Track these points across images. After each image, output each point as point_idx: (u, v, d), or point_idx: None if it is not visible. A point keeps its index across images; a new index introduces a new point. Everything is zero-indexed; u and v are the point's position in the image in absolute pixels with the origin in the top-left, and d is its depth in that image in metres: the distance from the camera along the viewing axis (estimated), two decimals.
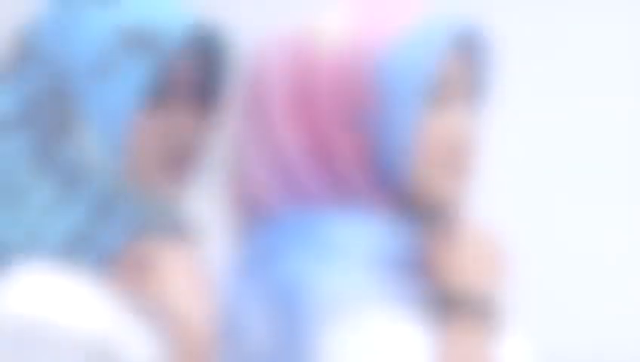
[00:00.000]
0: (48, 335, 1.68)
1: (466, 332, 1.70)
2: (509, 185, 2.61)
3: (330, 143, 1.77)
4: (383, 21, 1.73)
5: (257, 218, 1.83)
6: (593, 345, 2.64)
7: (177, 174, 1.77)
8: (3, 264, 1.72)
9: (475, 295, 1.70)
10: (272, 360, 1.69)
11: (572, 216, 2.67)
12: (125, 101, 1.72)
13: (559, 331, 2.60)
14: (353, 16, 1.77)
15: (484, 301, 1.70)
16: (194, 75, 1.77)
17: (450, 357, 1.69)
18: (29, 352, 1.69)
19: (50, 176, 1.73)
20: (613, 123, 2.60)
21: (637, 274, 2.66)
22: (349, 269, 1.71)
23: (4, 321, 1.68)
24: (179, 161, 1.77)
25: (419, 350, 1.73)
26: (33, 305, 1.67)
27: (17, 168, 1.72)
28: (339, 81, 1.74)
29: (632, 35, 2.59)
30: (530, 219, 2.64)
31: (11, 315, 1.69)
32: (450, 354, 1.69)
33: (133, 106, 1.72)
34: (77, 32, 1.74)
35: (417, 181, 1.76)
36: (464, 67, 1.75)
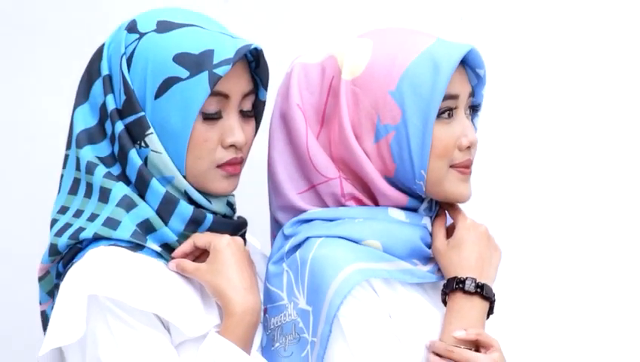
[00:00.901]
0: (119, 305, 1.80)
1: (467, 309, 1.86)
2: (501, 184, 2.62)
3: (355, 152, 1.90)
4: (400, 47, 1.89)
5: (290, 215, 1.95)
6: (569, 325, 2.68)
7: (232, 172, 1.89)
8: (84, 246, 1.86)
9: (474, 279, 1.87)
10: (302, 332, 1.82)
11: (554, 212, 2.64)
12: (185, 112, 1.85)
13: (540, 309, 2.61)
14: (376, 43, 1.91)
15: (482, 285, 1.86)
16: (242, 88, 1.89)
17: (454, 326, 1.85)
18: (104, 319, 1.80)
19: (125, 179, 1.88)
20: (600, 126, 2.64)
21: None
22: (368, 254, 1.86)
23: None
24: (233, 161, 1.89)
25: (431, 320, 1.89)
26: (108, 280, 1.80)
27: (100, 172, 1.87)
28: (363, 99, 1.89)
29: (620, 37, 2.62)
30: (517, 215, 2.63)
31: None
32: (454, 323, 1.85)
33: (191, 117, 1.85)
34: (141, 60, 1.88)
35: (431, 179, 1.90)
36: (465, 83, 1.90)
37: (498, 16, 2.54)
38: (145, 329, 1.81)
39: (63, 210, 1.90)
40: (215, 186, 1.89)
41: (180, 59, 1.83)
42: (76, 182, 1.90)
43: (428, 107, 1.84)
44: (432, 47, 1.87)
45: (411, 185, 1.88)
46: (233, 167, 1.88)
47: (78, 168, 1.89)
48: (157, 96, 1.85)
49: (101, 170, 1.87)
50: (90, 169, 1.88)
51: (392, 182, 1.90)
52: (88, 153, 1.88)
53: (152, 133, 1.85)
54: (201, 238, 1.88)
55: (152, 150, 1.86)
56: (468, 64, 1.90)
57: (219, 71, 1.81)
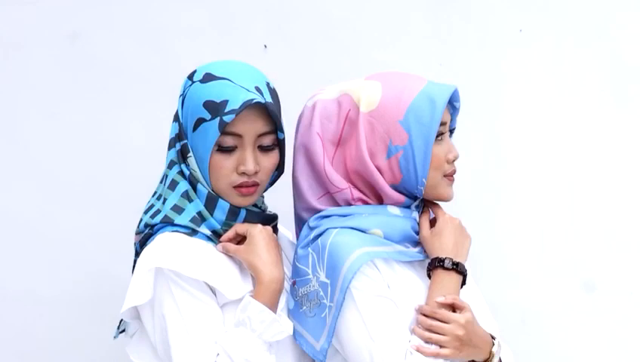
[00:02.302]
0: (178, 275, 2.00)
1: (446, 281, 2.06)
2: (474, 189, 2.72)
3: (369, 166, 2.08)
4: (404, 88, 2.09)
5: (309, 212, 2.14)
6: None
7: (245, 193, 2.07)
8: (152, 232, 2.08)
9: (451, 259, 2.08)
10: (322, 299, 2.02)
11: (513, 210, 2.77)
12: (205, 146, 2.03)
13: (504, 284, 2.70)
14: (384, 84, 2.11)
15: (457, 263, 2.08)
16: (256, 130, 2.04)
17: (436, 294, 2.05)
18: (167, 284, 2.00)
19: (185, 178, 2.09)
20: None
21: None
22: (372, 240, 2.06)
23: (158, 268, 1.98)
24: (244, 184, 2.06)
25: (419, 289, 2.09)
26: (170, 257, 2.01)
27: (176, 169, 2.08)
28: (377, 127, 2.08)
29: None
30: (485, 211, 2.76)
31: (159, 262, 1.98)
32: (437, 293, 2.05)
33: (208, 150, 2.03)
34: (187, 101, 2.07)
35: (428, 185, 2.09)
36: (447, 113, 2.12)
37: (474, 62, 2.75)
38: (197, 293, 2.00)
39: (153, 195, 2.12)
40: (233, 201, 2.07)
41: (207, 105, 2.02)
42: (164, 175, 2.12)
43: (428, 132, 2.06)
44: (427, 87, 2.08)
45: (413, 190, 2.09)
46: (246, 189, 2.05)
47: (166, 166, 2.12)
48: (193, 130, 2.05)
49: (177, 168, 2.08)
50: (170, 165, 2.09)
51: (396, 188, 2.11)
52: (172, 154, 2.10)
53: (191, 157, 2.07)
54: (241, 227, 2.08)
55: (192, 169, 2.08)
56: (450, 99, 2.13)
57: (226, 118, 2.00)
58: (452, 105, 2.16)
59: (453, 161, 2.12)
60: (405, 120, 2.05)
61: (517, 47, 2.72)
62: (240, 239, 2.10)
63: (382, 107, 2.06)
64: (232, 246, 2.08)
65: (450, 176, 2.12)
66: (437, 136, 2.08)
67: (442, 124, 2.09)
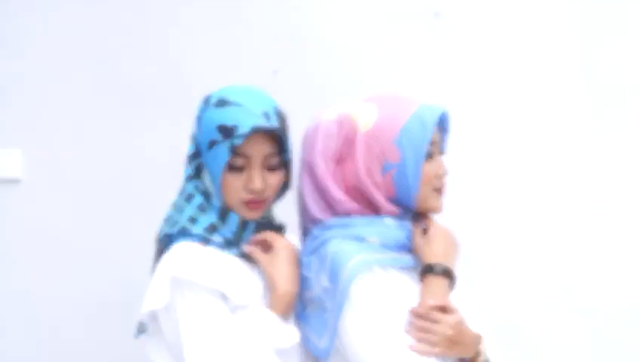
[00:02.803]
0: (191, 284, 2.06)
1: (436, 285, 2.12)
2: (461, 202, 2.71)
3: (366, 182, 2.15)
4: (397, 110, 2.16)
5: (313, 223, 2.21)
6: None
7: (253, 208, 2.14)
8: (170, 241, 2.15)
9: (441, 265, 2.13)
10: (325, 302, 2.08)
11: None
12: (217, 165, 2.10)
13: (492, 286, 2.78)
14: (380, 107, 2.17)
15: (446, 268, 2.14)
16: (263, 151, 2.12)
17: (428, 297, 2.09)
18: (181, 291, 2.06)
19: (199, 192, 2.17)
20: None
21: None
22: (370, 248, 2.13)
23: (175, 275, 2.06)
24: (253, 200, 2.14)
25: (412, 293, 2.13)
26: (184, 266, 2.08)
27: (192, 184, 2.17)
28: (374, 146, 2.15)
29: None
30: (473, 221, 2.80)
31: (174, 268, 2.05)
32: (428, 297, 2.10)
33: (221, 168, 2.10)
34: (203, 123, 2.14)
35: (420, 199, 2.16)
36: (438, 133, 2.20)
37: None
38: (209, 299, 2.06)
39: (172, 206, 2.20)
40: (243, 215, 2.16)
41: (220, 128, 2.10)
42: (182, 188, 2.19)
43: (419, 151, 2.13)
44: (419, 110, 2.14)
45: (406, 203, 2.16)
46: (255, 204, 2.14)
47: (184, 180, 2.19)
48: (208, 150, 2.12)
49: (193, 182, 2.16)
50: (187, 179, 2.17)
51: (391, 200, 2.17)
52: (189, 170, 2.18)
53: (205, 173, 2.16)
54: (270, 236, 2.17)
55: (206, 184, 2.17)
56: (441, 121, 2.21)
57: (236, 141, 2.07)
58: (442, 125, 2.25)
59: (443, 177, 2.20)
60: (399, 140, 2.12)
61: (507, 64, 2.81)
62: (266, 246, 2.18)
63: (377, 128, 2.13)
64: (258, 252, 2.16)
65: (439, 191, 2.19)
66: (428, 156, 2.16)
67: (432, 143, 2.17)
